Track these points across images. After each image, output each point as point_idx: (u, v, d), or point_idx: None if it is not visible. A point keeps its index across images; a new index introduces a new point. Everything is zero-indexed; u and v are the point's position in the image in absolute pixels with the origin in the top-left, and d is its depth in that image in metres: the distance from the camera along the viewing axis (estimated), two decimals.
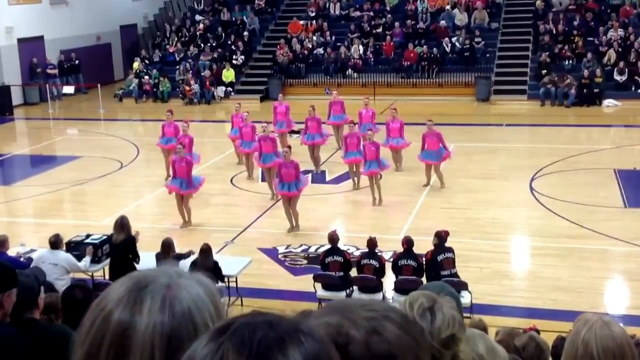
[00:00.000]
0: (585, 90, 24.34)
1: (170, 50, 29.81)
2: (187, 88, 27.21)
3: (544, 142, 19.72)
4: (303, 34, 29.04)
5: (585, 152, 18.21)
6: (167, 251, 9.95)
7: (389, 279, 10.28)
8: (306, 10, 30.62)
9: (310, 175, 16.93)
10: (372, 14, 29.53)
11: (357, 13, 29.79)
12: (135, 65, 29.09)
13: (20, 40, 27.44)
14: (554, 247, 12.23)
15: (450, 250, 10.03)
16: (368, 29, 28.74)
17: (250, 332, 1.07)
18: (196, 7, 32.81)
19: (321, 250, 11.44)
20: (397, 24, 28.44)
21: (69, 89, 28.18)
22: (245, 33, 29.73)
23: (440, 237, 10.08)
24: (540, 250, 12.36)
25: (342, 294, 10.03)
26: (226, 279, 10.25)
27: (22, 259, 10.20)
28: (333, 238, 10.48)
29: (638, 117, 22.57)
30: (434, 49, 27.23)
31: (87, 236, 11.24)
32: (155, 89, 28.01)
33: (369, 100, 18.88)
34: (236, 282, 10.40)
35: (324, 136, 17.69)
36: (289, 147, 14.15)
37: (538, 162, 17.33)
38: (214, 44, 29.58)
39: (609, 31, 26.54)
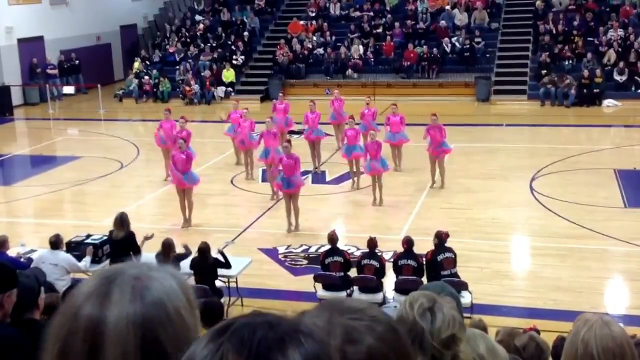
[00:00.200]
0: (585, 90, 24.34)
1: (171, 51, 29.81)
2: (187, 88, 27.21)
3: (544, 142, 19.72)
4: (303, 34, 29.04)
5: (585, 152, 18.22)
6: (167, 252, 9.95)
7: (389, 279, 10.28)
8: (306, 11, 30.62)
9: (310, 175, 16.96)
10: (372, 14, 29.53)
11: (357, 13, 29.80)
12: (136, 65, 29.10)
13: (20, 41, 27.44)
14: (554, 247, 12.23)
15: (451, 250, 10.03)
16: (368, 29, 28.74)
17: (249, 333, 1.07)
18: (196, 7, 32.81)
19: (321, 250, 11.44)
20: (397, 24, 28.44)
21: (69, 89, 28.19)
22: (246, 33, 29.74)
23: (440, 237, 10.08)
24: (540, 250, 12.36)
25: (343, 294, 10.02)
26: (226, 279, 10.26)
27: (22, 259, 10.19)
28: (332, 238, 10.48)
29: (638, 117, 22.57)
30: (434, 49, 27.23)
31: (88, 236, 11.24)
32: (155, 89, 28.01)
33: (370, 100, 18.83)
34: (236, 282, 10.40)
35: (323, 134, 17.74)
36: (289, 141, 14.11)
37: (538, 162, 17.34)
38: (214, 44, 29.58)
39: (608, 31, 26.54)
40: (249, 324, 1.09)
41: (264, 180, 16.42)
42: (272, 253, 12.47)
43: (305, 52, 28.19)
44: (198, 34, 30.30)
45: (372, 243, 10.37)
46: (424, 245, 10.43)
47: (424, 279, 9.80)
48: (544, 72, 25.30)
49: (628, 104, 24.07)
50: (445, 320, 1.99)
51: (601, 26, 26.83)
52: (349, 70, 27.20)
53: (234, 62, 28.42)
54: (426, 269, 9.93)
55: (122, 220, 10.33)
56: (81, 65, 29.51)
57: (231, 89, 27.46)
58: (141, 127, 25.00)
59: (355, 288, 10.23)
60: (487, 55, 27.02)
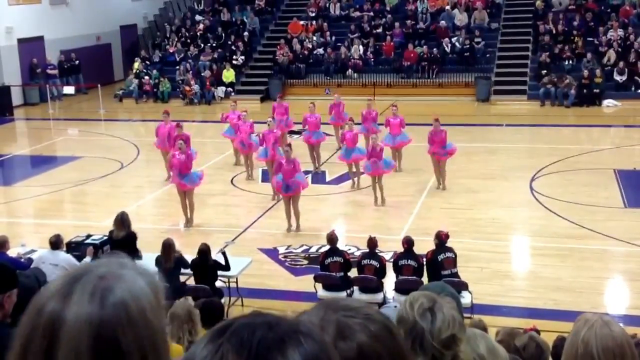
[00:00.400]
0: (585, 91, 24.34)
1: (171, 51, 29.81)
2: (187, 88, 27.21)
3: (544, 142, 19.72)
4: (303, 34, 29.05)
5: (585, 152, 18.22)
6: (167, 252, 9.95)
7: (390, 279, 10.28)
8: (306, 11, 30.63)
9: (310, 175, 16.95)
10: (372, 14, 29.54)
11: (357, 13, 29.80)
12: (136, 65, 29.10)
13: (20, 41, 27.44)
14: (554, 247, 12.23)
15: (451, 250, 10.03)
16: (368, 29, 28.75)
17: (249, 333, 1.07)
18: (196, 7, 32.82)
19: (322, 250, 11.44)
20: (397, 24, 28.45)
21: (69, 90, 28.18)
22: (246, 33, 29.75)
23: (440, 237, 10.08)
24: (540, 250, 12.37)
25: (343, 294, 10.02)
26: (226, 279, 10.27)
27: (22, 260, 10.19)
28: (332, 238, 10.48)
29: (638, 117, 22.57)
30: (434, 49, 27.23)
31: (88, 236, 11.24)
32: (155, 90, 28.02)
33: (371, 102, 18.74)
34: (237, 282, 10.40)
35: (323, 136, 17.70)
36: (289, 145, 14.10)
37: (538, 162, 17.34)
38: (214, 44, 29.58)
39: (608, 31, 26.55)
40: (248, 324, 1.09)
41: (264, 180, 16.42)
42: (272, 253, 12.47)
43: (306, 52, 28.20)
44: (198, 34, 30.30)
45: (372, 243, 10.37)
46: (424, 246, 10.44)
47: (425, 279, 9.80)
48: (544, 72, 25.31)
49: (628, 104, 24.07)
50: (446, 321, 1.99)
51: (601, 26, 26.83)
52: (349, 70, 27.21)
53: (234, 62, 28.43)
54: (427, 269, 9.93)
55: (122, 220, 10.33)
56: (81, 66, 29.51)
57: (231, 89, 27.46)
58: (141, 128, 24.98)
59: (356, 288, 10.23)
60: (487, 55, 27.03)
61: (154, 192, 16.23)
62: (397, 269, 10.07)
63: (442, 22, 28.22)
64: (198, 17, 31.59)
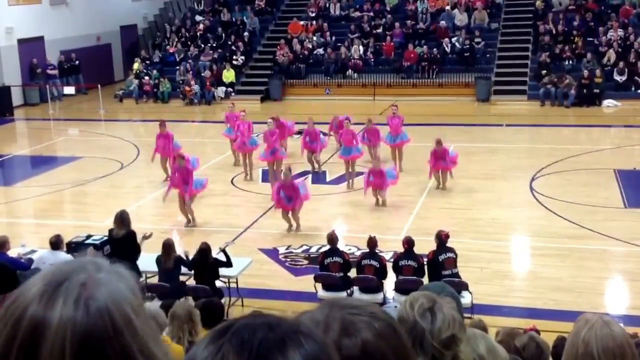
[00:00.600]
0: (585, 91, 24.34)
1: (171, 51, 29.82)
2: (188, 88, 27.21)
3: (544, 142, 19.72)
4: (303, 34, 29.05)
5: (585, 152, 18.22)
6: (167, 252, 9.96)
7: (390, 279, 10.28)
8: (306, 11, 30.63)
9: (310, 175, 16.96)
10: (372, 14, 29.55)
11: (357, 13, 29.81)
12: (135, 66, 29.10)
13: (20, 41, 27.45)
14: (554, 248, 12.23)
15: (452, 250, 10.04)
16: (368, 29, 28.75)
17: (250, 334, 1.07)
18: (196, 7, 32.83)
19: (322, 250, 11.44)
20: (397, 24, 28.45)
21: (69, 90, 28.19)
22: (246, 33, 29.75)
23: (440, 237, 10.09)
24: (540, 250, 12.37)
25: (343, 294, 10.01)
26: (227, 280, 10.27)
27: (22, 260, 10.19)
28: (332, 239, 10.48)
29: (638, 117, 22.56)
30: (434, 49, 27.24)
31: (88, 237, 11.25)
32: (155, 90, 28.02)
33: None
34: (237, 282, 10.40)
35: (322, 142, 17.48)
36: (289, 169, 13.82)
37: (538, 163, 17.34)
38: (214, 45, 29.59)
39: (608, 31, 26.55)
40: (249, 325, 1.09)
41: (264, 180, 16.43)
42: (272, 253, 12.47)
43: (306, 52, 28.20)
44: (198, 34, 30.31)
45: (371, 242, 10.37)
46: (424, 246, 10.45)
47: (425, 279, 9.81)
48: (544, 72, 25.31)
49: (628, 104, 24.08)
50: (446, 321, 1.99)
51: (601, 26, 26.83)
52: (349, 70, 27.21)
53: (234, 62, 28.43)
54: (427, 269, 9.94)
55: (122, 219, 10.33)
56: (81, 66, 29.52)
57: (231, 89, 27.46)
58: (141, 128, 24.99)
59: (355, 288, 10.24)
60: (487, 56, 27.04)
61: (154, 192, 16.21)
62: (398, 269, 10.08)
63: (442, 22, 28.23)
64: (198, 17, 31.59)
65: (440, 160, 15.20)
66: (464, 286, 9.59)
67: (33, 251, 10.95)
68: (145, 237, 10.53)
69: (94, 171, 17.94)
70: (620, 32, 26.40)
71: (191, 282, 10.22)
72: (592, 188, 15.26)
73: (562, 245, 12.30)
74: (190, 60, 28.82)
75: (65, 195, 16.47)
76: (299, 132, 19.12)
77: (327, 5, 30.65)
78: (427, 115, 22.81)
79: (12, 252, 10.41)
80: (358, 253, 11.46)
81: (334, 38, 28.87)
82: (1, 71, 26.64)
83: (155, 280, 10.23)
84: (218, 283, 10.09)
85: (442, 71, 26.71)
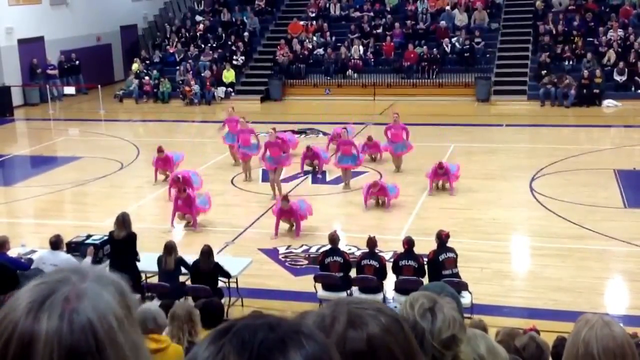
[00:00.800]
0: (585, 91, 24.34)
1: (171, 51, 29.82)
2: (188, 89, 27.21)
3: (544, 142, 19.73)
4: (303, 34, 29.05)
5: (585, 153, 18.22)
6: (169, 253, 9.95)
7: (390, 279, 10.28)
8: (306, 11, 30.63)
9: (310, 176, 16.96)
10: (372, 14, 29.55)
11: (357, 13, 29.81)
12: (135, 66, 29.10)
13: (20, 41, 27.45)
14: (554, 248, 12.23)
15: (452, 250, 10.04)
16: (368, 29, 28.75)
17: (250, 334, 1.07)
18: (196, 7, 32.82)
19: (322, 250, 11.43)
20: (397, 24, 28.45)
21: (69, 90, 28.19)
22: (246, 33, 29.75)
23: (441, 237, 10.09)
24: (540, 250, 12.36)
25: (343, 294, 10.01)
26: (227, 280, 10.26)
27: (22, 260, 10.19)
28: (334, 238, 10.48)
29: (638, 117, 22.56)
30: (434, 49, 27.25)
31: (88, 237, 11.24)
32: (155, 90, 28.02)
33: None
34: (237, 282, 10.39)
35: (324, 159, 17.23)
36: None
37: (538, 163, 17.34)
38: (214, 45, 29.59)
39: (608, 31, 26.55)
40: (250, 325, 1.09)
41: (264, 180, 16.42)
42: (272, 253, 12.47)
43: (306, 52, 28.20)
44: (198, 34, 30.31)
45: (371, 242, 10.37)
46: (424, 246, 10.45)
47: (425, 279, 9.80)
48: (543, 72, 25.31)
49: (628, 104, 24.08)
50: (446, 321, 1.99)
51: (601, 26, 26.83)
52: (349, 70, 27.21)
53: (234, 62, 28.43)
54: (428, 269, 9.94)
55: (123, 220, 10.32)
56: (81, 66, 29.51)
57: (231, 90, 27.46)
58: (141, 128, 25.01)
59: (355, 288, 10.23)
60: (487, 56, 27.04)
61: (154, 192, 16.22)
62: (398, 269, 10.07)
63: (442, 23, 28.23)
64: (198, 18, 31.59)
65: (442, 176, 15.24)
66: (463, 286, 9.59)
67: (33, 251, 10.95)
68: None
69: (94, 171, 17.93)
70: (620, 32, 26.40)
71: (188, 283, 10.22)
72: (592, 188, 15.26)
73: (562, 245, 12.30)
74: (190, 61, 28.82)
75: (65, 195, 16.47)
76: (300, 132, 19.09)
77: (327, 5, 30.65)
78: (427, 115, 22.81)
79: (12, 252, 10.41)
80: (358, 253, 11.45)
81: (334, 38, 28.87)
82: (1, 71, 26.64)
83: (155, 280, 10.23)
84: (218, 283, 10.08)
85: (442, 71, 26.71)
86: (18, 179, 18.25)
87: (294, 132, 19.81)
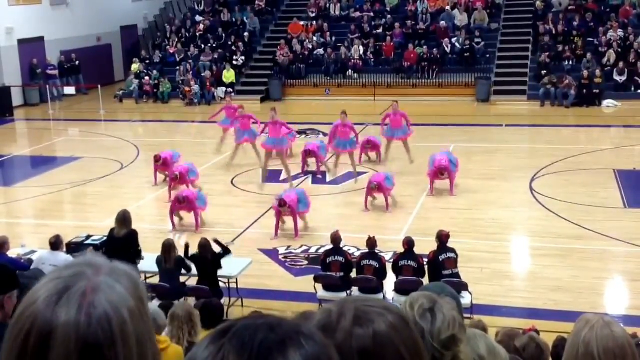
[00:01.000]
0: (585, 91, 24.34)
1: (171, 51, 29.82)
2: (188, 89, 27.21)
3: (543, 142, 19.73)
4: (303, 34, 29.06)
5: (585, 153, 18.21)
6: (168, 252, 9.96)
7: (390, 280, 10.28)
8: (306, 11, 30.64)
9: (310, 176, 16.96)
10: (372, 14, 29.55)
11: (357, 14, 29.81)
12: (134, 67, 29.10)
13: (20, 41, 27.45)
14: (554, 248, 12.23)
15: (453, 250, 10.04)
16: (368, 29, 28.76)
17: (250, 335, 1.07)
18: (196, 7, 32.83)
19: (322, 250, 11.43)
20: (397, 24, 28.46)
21: (69, 90, 28.20)
22: (246, 34, 29.75)
23: (441, 238, 10.09)
24: (540, 250, 12.36)
25: (343, 294, 10.00)
26: (226, 280, 10.27)
27: (22, 261, 10.19)
28: (336, 238, 10.48)
29: (638, 118, 22.56)
30: (434, 49, 27.25)
31: (88, 237, 11.25)
32: (155, 90, 28.02)
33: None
34: (237, 283, 10.40)
35: (322, 157, 17.31)
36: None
37: (538, 163, 17.34)
38: (214, 45, 29.59)
39: (608, 32, 26.56)
40: (249, 325, 1.09)
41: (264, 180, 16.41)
42: (272, 253, 12.47)
43: (306, 52, 28.21)
44: (198, 34, 30.31)
45: (371, 242, 10.37)
46: (424, 246, 10.45)
47: (425, 279, 9.80)
48: (543, 72, 25.32)
49: (628, 104, 24.08)
50: (446, 321, 1.99)
51: (601, 26, 26.84)
52: (349, 70, 27.22)
53: (234, 62, 28.44)
54: (428, 268, 9.94)
55: (124, 218, 10.31)
56: (81, 66, 29.51)
57: (231, 90, 27.46)
58: (141, 128, 25.01)
59: (355, 289, 10.22)
60: (487, 56, 27.04)
61: (154, 192, 16.22)
62: (397, 270, 10.07)
63: (442, 23, 28.23)
64: (198, 18, 31.59)
65: (443, 177, 15.30)
66: (463, 286, 9.59)
67: (33, 252, 10.95)
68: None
69: (94, 171, 17.93)
70: (620, 33, 26.41)
71: (191, 282, 10.22)
72: (592, 188, 15.26)
73: (562, 245, 12.30)
74: (190, 61, 28.83)
75: (65, 195, 16.47)
76: (301, 132, 19.13)
77: (327, 5, 30.66)
78: (427, 115, 22.81)
79: (12, 253, 10.40)
80: (358, 253, 11.45)
81: (334, 38, 28.88)
82: (1, 71, 26.64)
83: (155, 280, 10.23)
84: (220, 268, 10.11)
85: (442, 71, 26.72)
86: (18, 180, 18.25)
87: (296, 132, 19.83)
